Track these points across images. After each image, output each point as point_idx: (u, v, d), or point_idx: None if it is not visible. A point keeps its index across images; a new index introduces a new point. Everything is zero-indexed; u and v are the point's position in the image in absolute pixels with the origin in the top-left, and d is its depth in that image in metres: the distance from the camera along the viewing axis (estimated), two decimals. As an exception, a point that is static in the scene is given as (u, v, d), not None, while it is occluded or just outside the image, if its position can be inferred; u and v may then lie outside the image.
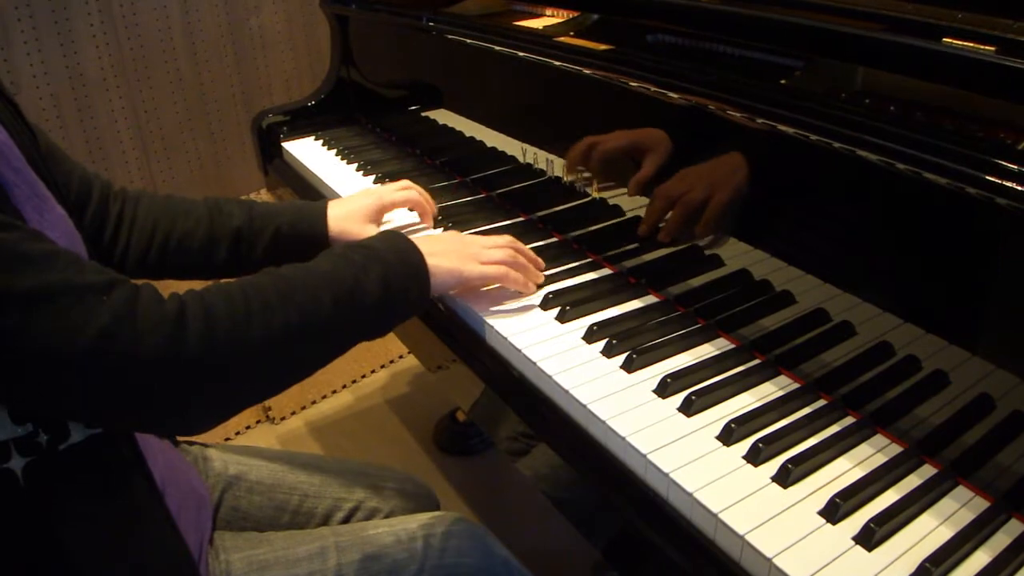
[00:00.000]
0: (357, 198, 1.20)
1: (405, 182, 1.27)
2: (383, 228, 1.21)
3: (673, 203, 1.04)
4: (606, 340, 0.96)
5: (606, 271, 1.14)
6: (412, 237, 0.96)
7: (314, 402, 2.30)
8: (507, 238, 1.08)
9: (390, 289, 0.88)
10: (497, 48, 1.29)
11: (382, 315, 0.89)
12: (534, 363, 0.94)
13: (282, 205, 1.16)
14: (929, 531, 0.71)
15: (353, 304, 0.84)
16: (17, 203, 0.74)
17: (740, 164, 0.96)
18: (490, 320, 1.02)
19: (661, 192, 1.05)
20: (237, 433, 2.19)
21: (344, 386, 2.36)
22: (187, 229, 1.09)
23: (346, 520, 1.12)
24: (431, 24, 1.46)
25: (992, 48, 0.78)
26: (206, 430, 0.79)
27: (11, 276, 0.65)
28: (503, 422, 1.02)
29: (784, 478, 0.76)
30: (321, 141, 1.73)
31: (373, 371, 2.42)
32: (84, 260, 0.72)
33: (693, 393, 0.86)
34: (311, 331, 0.81)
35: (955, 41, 0.81)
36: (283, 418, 2.24)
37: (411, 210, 1.30)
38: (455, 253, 0.99)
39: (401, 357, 2.47)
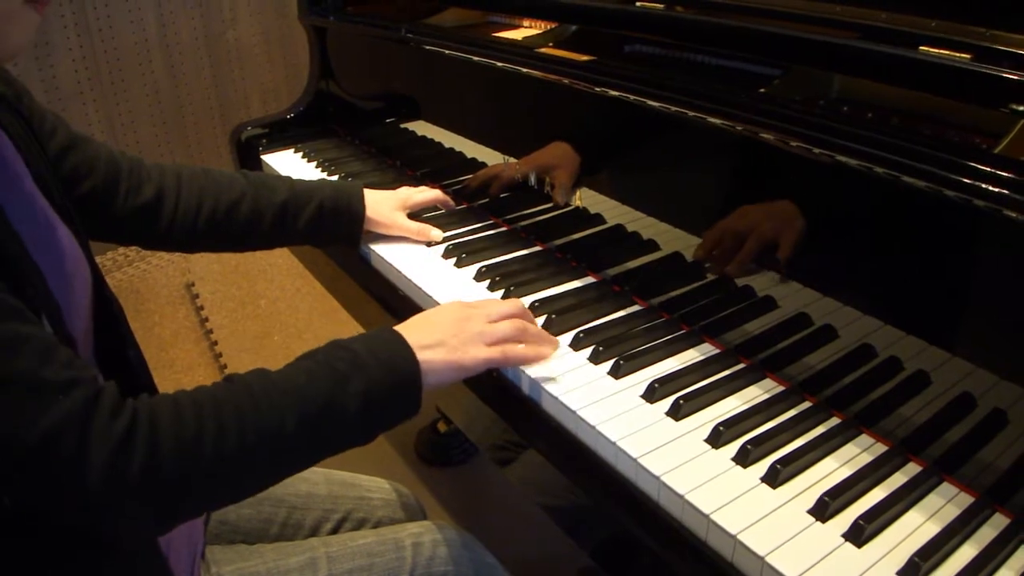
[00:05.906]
0: (387, 191, 1.30)
1: (424, 187, 1.36)
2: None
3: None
4: (592, 347, 0.97)
5: (590, 279, 1.15)
6: (410, 321, 0.90)
7: (294, 415, 2.29)
8: (516, 306, 0.96)
9: (371, 405, 0.80)
10: (476, 59, 1.30)
11: (359, 430, 0.82)
12: (522, 370, 0.95)
13: (319, 182, 1.24)
14: (916, 527, 0.73)
15: (323, 422, 0.77)
16: (17, 225, 0.73)
17: (725, 175, 0.98)
18: (477, 328, 1.02)
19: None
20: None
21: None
22: (233, 200, 1.14)
23: (334, 531, 1.12)
24: (409, 35, 1.47)
25: (967, 55, 0.80)
26: (148, 538, 0.80)
27: None
28: (490, 430, 1.03)
29: (773, 478, 0.77)
30: (301, 153, 1.73)
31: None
32: (54, 350, 0.67)
33: (681, 397, 0.87)
34: (269, 452, 0.75)
35: (931, 49, 0.83)
36: (263, 432, 2.23)
37: (438, 209, 1.38)
38: (455, 338, 0.88)
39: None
